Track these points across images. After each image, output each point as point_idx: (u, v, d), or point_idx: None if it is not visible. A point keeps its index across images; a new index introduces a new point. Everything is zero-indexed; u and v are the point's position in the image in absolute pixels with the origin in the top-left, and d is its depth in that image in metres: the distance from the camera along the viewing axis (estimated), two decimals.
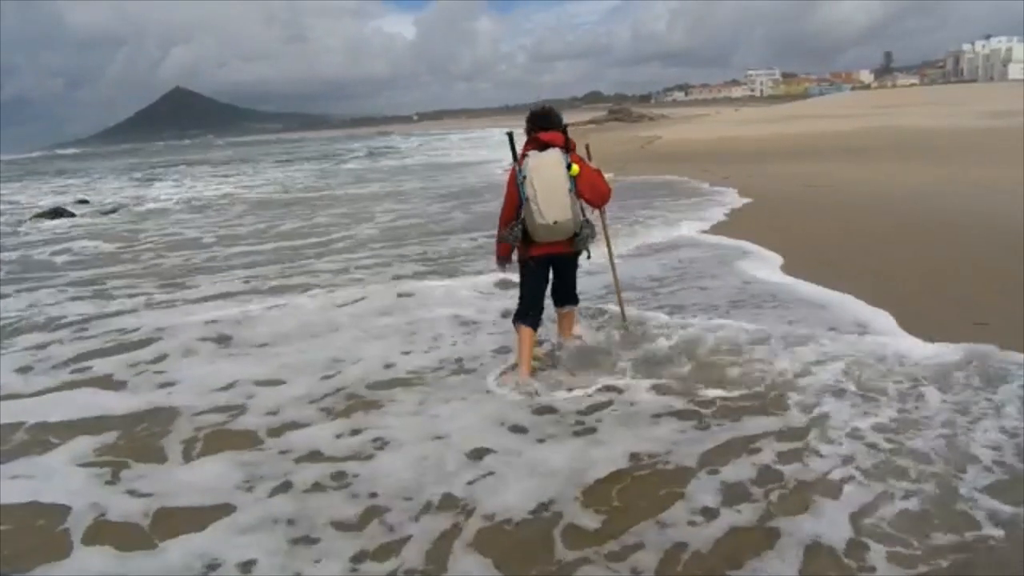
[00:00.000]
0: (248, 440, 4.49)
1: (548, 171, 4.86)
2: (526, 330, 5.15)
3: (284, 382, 5.45)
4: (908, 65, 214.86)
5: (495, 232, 5.26)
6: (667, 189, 15.80)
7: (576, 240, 5.02)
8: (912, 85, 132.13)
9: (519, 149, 5.07)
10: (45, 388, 5.63)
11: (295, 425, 4.66)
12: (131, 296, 8.60)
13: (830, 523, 3.20)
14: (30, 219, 18.32)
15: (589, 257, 5.25)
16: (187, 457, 4.31)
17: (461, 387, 5.18)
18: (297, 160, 47.45)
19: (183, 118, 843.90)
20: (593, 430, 4.35)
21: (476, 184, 21.30)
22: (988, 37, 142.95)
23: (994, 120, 28.13)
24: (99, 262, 11.52)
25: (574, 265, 5.36)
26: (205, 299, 8.29)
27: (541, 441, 4.25)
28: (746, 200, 13.05)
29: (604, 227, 5.67)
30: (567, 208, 4.84)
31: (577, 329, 5.69)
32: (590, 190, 5.06)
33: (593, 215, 5.28)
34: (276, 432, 4.57)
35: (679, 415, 4.46)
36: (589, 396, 4.82)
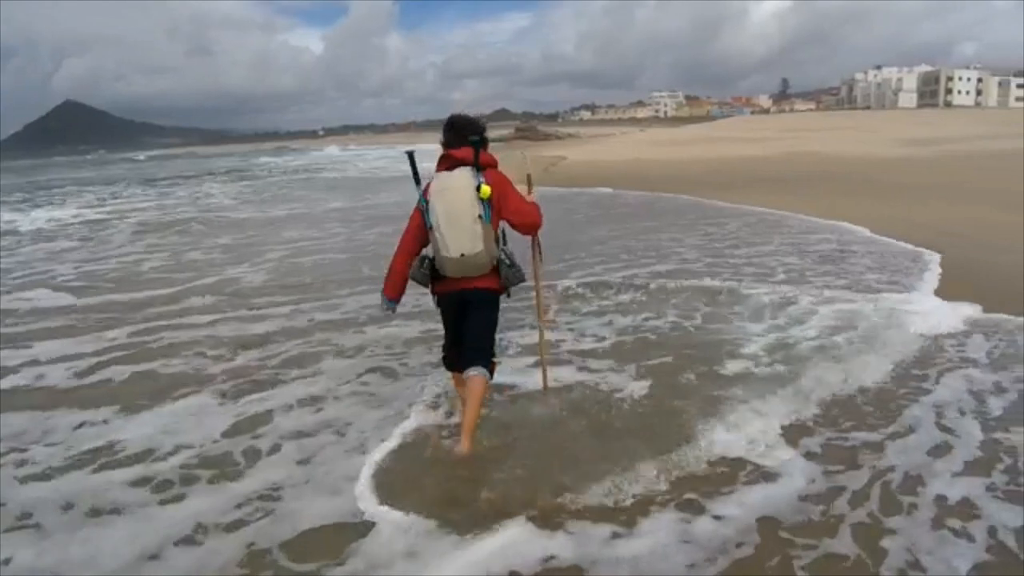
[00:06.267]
0: None
1: (453, 195, 4.10)
2: (454, 376, 4.62)
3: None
4: (804, 91, 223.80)
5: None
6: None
7: (501, 278, 4.26)
8: (809, 110, 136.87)
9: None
10: None
11: None
12: None
13: None
14: None
15: (509, 296, 4.45)
16: None
17: None
18: (200, 177, 43.39)
19: (75, 133, 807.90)
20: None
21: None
22: (879, 67, 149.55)
23: (910, 148, 28.26)
24: None
25: (490, 307, 4.37)
26: None
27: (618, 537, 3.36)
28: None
29: (535, 264, 4.76)
30: (477, 238, 4.06)
31: (474, 419, 4.25)
32: (514, 214, 4.29)
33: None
34: None
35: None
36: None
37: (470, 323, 4.34)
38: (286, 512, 3.77)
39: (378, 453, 4.36)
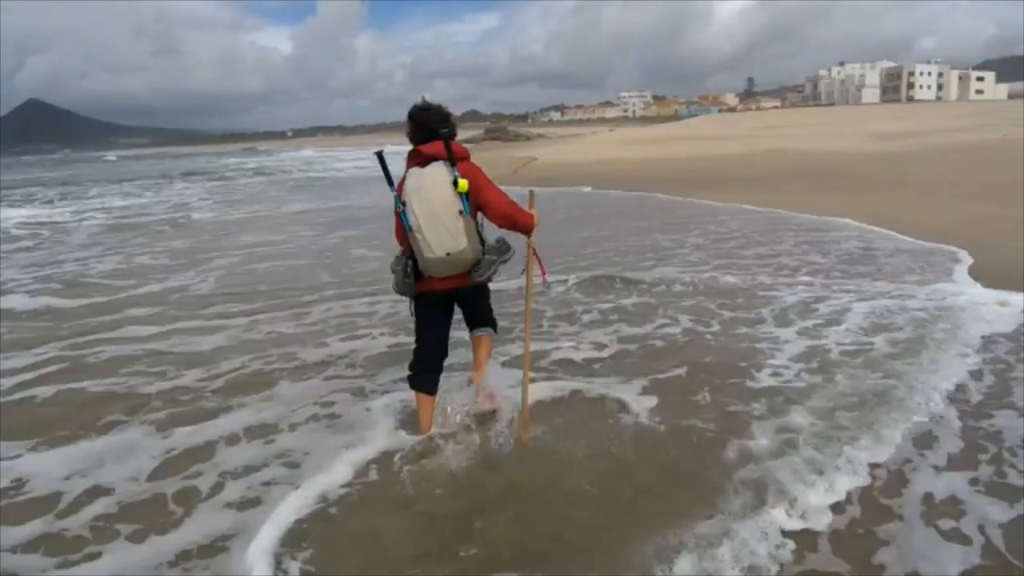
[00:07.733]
0: None
1: (430, 192, 3.85)
2: (419, 397, 4.24)
3: None
4: (769, 89, 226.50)
5: None
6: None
7: (473, 273, 3.99)
8: (774, 107, 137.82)
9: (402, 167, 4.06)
10: None
11: None
12: None
13: None
14: None
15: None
16: None
17: None
18: (170, 178, 41.85)
19: (40, 132, 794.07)
20: None
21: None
22: (842, 63, 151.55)
23: (882, 143, 28.17)
24: None
25: (483, 296, 4.40)
26: None
27: None
28: None
29: (529, 274, 4.38)
30: (459, 234, 3.85)
31: (484, 361, 4.44)
32: (490, 206, 4.00)
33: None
34: None
35: None
36: None
37: (469, 309, 4.39)
38: (227, 569, 3.08)
39: (322, 493, 3.68)
